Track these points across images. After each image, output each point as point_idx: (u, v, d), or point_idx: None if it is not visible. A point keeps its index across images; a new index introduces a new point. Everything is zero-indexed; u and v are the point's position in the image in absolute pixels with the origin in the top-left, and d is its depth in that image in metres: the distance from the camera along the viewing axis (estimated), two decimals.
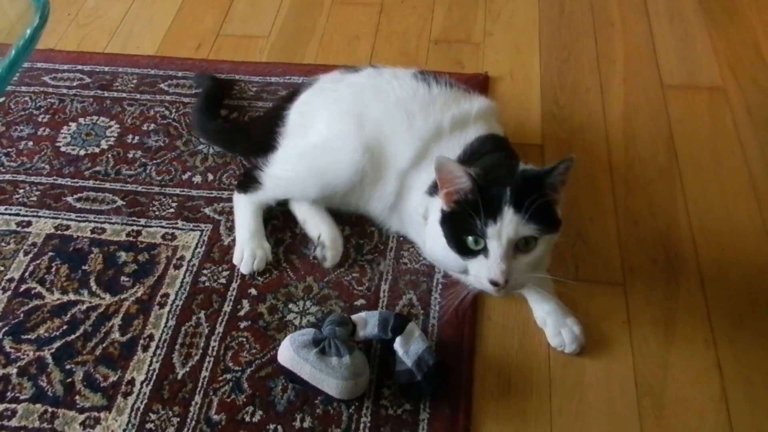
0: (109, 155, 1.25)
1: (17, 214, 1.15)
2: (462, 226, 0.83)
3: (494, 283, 0.82)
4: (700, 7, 1.54)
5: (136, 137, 1.28)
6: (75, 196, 1.18)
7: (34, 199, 1.17)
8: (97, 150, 1.26)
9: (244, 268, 1.03)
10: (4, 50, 1.41)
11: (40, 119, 1.32)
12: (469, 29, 1.51)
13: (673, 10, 1.54)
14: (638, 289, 1.03)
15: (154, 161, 1.24)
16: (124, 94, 1.36)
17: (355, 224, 1.11)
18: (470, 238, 0.83)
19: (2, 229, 1.12)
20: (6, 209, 1.15)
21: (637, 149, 1.25)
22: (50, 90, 1.37)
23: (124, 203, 1.16)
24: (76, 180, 1.21)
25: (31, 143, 1.27)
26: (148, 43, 1.47)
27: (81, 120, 1.32)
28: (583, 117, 1.32)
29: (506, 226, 0.80)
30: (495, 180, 0.84)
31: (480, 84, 1.37)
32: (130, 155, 1.25)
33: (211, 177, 1.20)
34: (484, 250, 0.82)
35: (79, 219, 1.13)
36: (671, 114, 1.32)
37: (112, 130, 1.30)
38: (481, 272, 0.83)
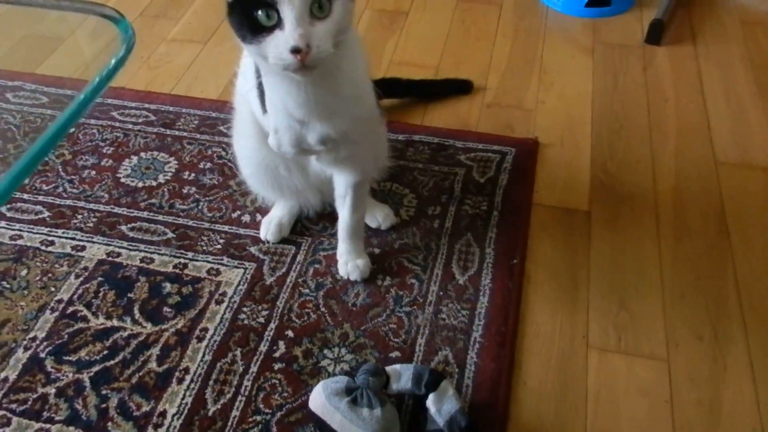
0: (165, 189, 1.30)
1: (73, 238, 1.19)
2: (250, 3, 0.73)
3: (296, 50, 0.72)
4: (757, 88, 1.54)
5: (192, 174, 1.33)
6: (129, 225, 1.22)
7: (91, 225, 1.22)
8: (154, 183, 1.31)
9: (263, 230, 1.17)
10: (81, 86, 1.50)
11: (104, 151, 1.38)
12: (522, 96, 1.54)
13: (728, 89, 1.54)
14: (683, 366, 0.99)
15: (207, 198, 1.28)
16: (185, 133, 1.42)
17: (395, 275, 1.12)
18: (260, 13, 0.72)
19: (58, 251, 1.17)
20: (63, 233, 1.20)
21: (686, 223, 1.23)
22: (117, 125, 1.44)
23: (175, 236, 1.19)
24: (131, 210, 1.25)
25: (93, 172, 1.33)
26: (211, 87, 1.55)
27: (142, 154, 1.38)
28: (633, 187, 1.32)
29: None
30: None
31: (530, 147, 1.38)
32: (185, 191, 1.30)
33: (259, 217, 1.23)
34: (279, 24, 0.74)
35: (131, 248, 1.17)
36: (724, 190, 1.30)
37: (170, 166, 1.35)
38: (280, 45, 0.74)
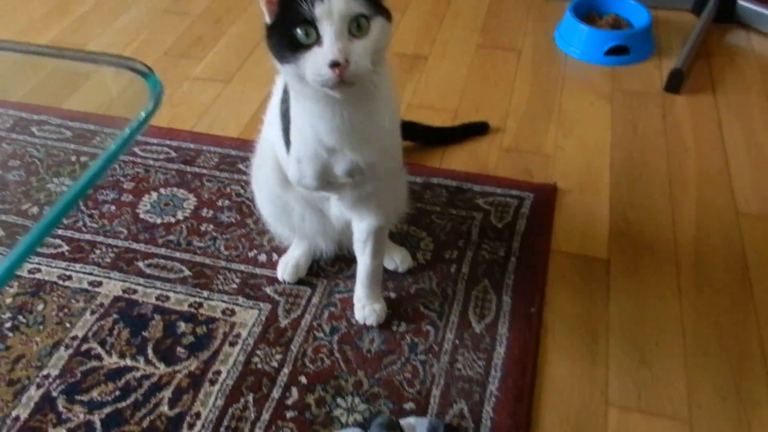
0: (183, 226, 1.30)
1: (90, 273, 1.20)
2: (289, 23, 0.75)
3: (334, 64, 0.73)
4: None
5: (210, 211, 1.34)
6: (146, 262, 1.22)
7: (108, 260, 1.22)
8: (173, 220, 1.32)
9: (280, 270, 1.18)
10: (105, 121, 1.53)
11: (124, 186, 1.40)
12: (541, 141, 1.54)
13: (749, 139, 1.53)
14: (705, 428, 0.96)
15: (224, 236, 1.28)
16: (205, 171, 1.44)
17: (411, 321, 1.11)
18: (299, 30, 0.74)
19: (75, 286, 1.17)
20: (81, 267, 1.21)
21: (708, 275, 1.21)
22: (138, 160, 1.46)
23: (191, 274, 1.19)
24: (149, 246, 1.26)
25: (113, 207, 1.35)
26: (232, 126, 1.57)
27: (162, 190, 1.39)
28: (653, 236, 1.30)
29: (335, 2, 0.74)
30: None
31: (548, 193, 1.38)
32: (203, 228, 1.30)
33: (275, 257, 1.23)
34: (318, 41, 0.75)
35: (147, 284, 1.17)
36: (746, 242, 1.28)
37: (189, 203, 1.36)
38: (319, 60, 0.75)
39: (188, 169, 1.44)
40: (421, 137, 1.51)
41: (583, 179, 1.44)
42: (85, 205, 1.35)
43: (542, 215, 1.33)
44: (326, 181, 0.92)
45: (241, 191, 1.38)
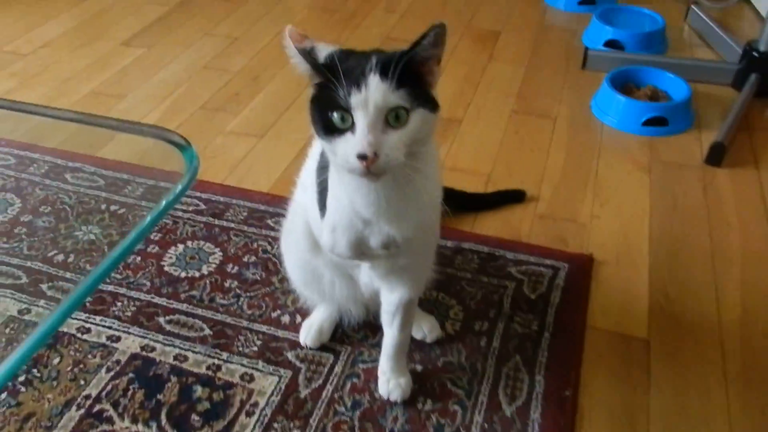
0: (207, 281, 1.28)
1: (110, 327, 1.17)
2: (326, 104, 0.74)
3: (362, 157, 0.71)
4: None
5: (236, 267, 1.31)
6: (167, 318, 1.19)
7: (129, 314, 1.20)
8: (197, 274, 1.29)
9: (303, 334, 1.14)
10: (139, 171, 1.54)
11: (152, 237, 1.38)
12: (576, 209, 1.49)
13: None
14: None
15: (248, 294, 1.25)
16: (233, 225, 1.42)
17: (437, 398, 1.05)
18: (335, 115, 0.73)
19: (93, 340, 1.14)
20: (102, 320, 1.18)
21: (756, 364, 1.13)
22: (168, 211, 1.45)
23: (212, 333, 1.16)
24: (171, 301, 1.23)
25: (139, 258, 1.33)
26: (263, 180, 1.56)
27: (189, 243, 1.37)
28: (695, 315, 1.23)
29: (372, 93, 0.71)
30: (362, 56, 0.76)
31: (584, 264, 1.32)
32: (227, 284, 1.27)
33: (299, 319, 1.18)
34: (351, 127, 0.73)
35: (166, 342, 1.14)
36: None
37: (215, 257, 1.34)
38: (348, 148, 0.72)
39: (216, 222, 1.43)
40: (455, 203, 1.48)
41: (620, 250, 1.39)
42: None
43: (578, 287, 1.28)
44: (360, 251, 0.89)
45: (268, 247, 1.36)
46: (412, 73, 0.73)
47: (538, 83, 1.95)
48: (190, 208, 1.46)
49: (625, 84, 1.83)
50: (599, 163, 1.64)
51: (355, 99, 0.71)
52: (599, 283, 1.31)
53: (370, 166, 0.71)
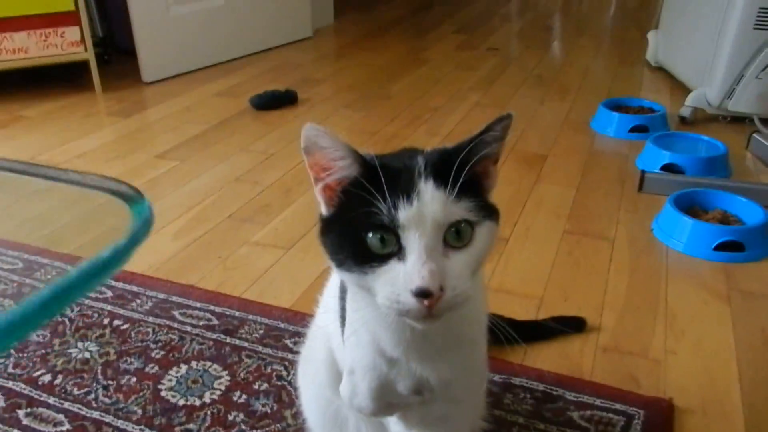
0: (209, 412, 1.08)
1: None
2: (357, 223, 0.54)
3: (423, 293, 0.51)
4: None
5: (244, 396, 1.11)
6: None
7: None
8: (197, 403, 1.10)
9: None
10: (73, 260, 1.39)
11: (153, 354, 1.21)
12: (646, 342, 1.27)
13: None
14: None
15: (254, 431, 1.04)
16: (246, 344, 1.24)
17: None
18: (373, 236, 0.53)
19: None
20: None
21: None
22: (175, 325, 1.29)
23: None
24: None
25: (134, 380, 1.14)
26: (286, 295, 1.40)
27: (193, 363, 1.19)
28: None
29: (428, 205, 0.52)
30: (398, 157, 0.57)
31: (664, 412, 1.08)
32: (231, 417, 1.07)
33: None
34: (399, 253, 0.53)
35: None
36: None
37: (221, 382, 1.14)
38: (399, 283, 0.52)
39: (228, 340, 1.25)
40: (504, 335, 1.27)
41: (706, 396, 1.14)
42: (103, 373, 1.16)
43: None
44: (385, 401, 0.69)
45: (284, 373, 1.16)
46: (468, 175, 0.56)
47: (591, 205, 1.80)
48: (201, 323, 1.30)
49: (690, 207, 1.66)
50: (668, 290, 1.43)
51: (405, 214, 0.53)
52: None
53: (434, 305, 0.52)
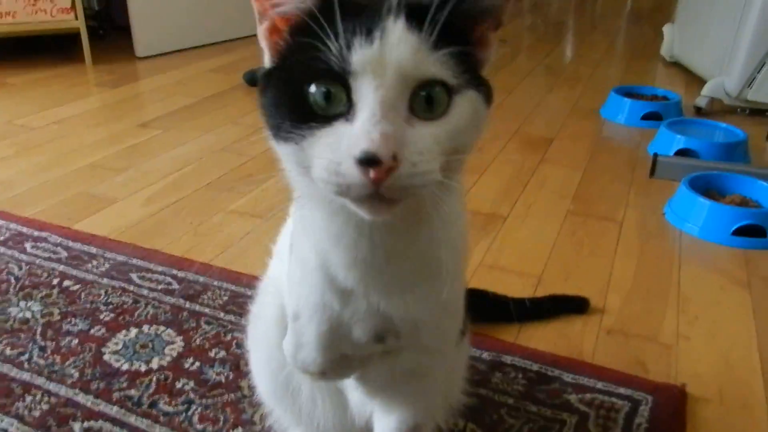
0: (155, 378, 0.95)
1: (5, 430, 0.84)
2: (299, 72, 0.41)
3: (369, 160, 0.38)
4: None
5: (197, 363, 0.98)
6: (85, 424, 0.86)
7: (36, 414, 0.87)
8: (143, 368, 0.97)
9: None
10: (109, 246, 1.26)
11: (101, 317, 1.08)
12: (656, 325, 1.13)
13: None
14: None
15: (204, 400, 0.91)
16: (207, 310, 1.11)
17: None
18: (316, 89, 0.40)
19: None
20: None
21: None
22: (131, 288, 1.16)
23: None
24: (98, 401, 0.90)
25: (75, 342, 1.02)
26: (257, 264, 1.25)
27: (145, 327, 1.06)
28: None
29: (394, 48, 0.39)
30: None
31: (675, 399, 0.94)
32: (179, 385, 0.94)
33: None
34: (347, 112, 0.40)
35: None
36: None
37: (173, 348, 1.02)
38: (341, 148, 0.39)
39: (187, 305, 1.12)
40: (491, 312, 1.13)
41: (723, 384, 1.00)
42: (42, 334, 1.03)
43: (668, 430, 0.89)
44: (338, 352, 0.56)
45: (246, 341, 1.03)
46: (457, 33, 0.42)
47: (598, 188, 1.66)
48: (160, 287, 1.17)
49: (706, 191, 1.52)
50: (681, 275, 1.29)
51: (360, 56, 0.40)
52: (697, 428, 0.91)
53: (384, 178, 0.39)
